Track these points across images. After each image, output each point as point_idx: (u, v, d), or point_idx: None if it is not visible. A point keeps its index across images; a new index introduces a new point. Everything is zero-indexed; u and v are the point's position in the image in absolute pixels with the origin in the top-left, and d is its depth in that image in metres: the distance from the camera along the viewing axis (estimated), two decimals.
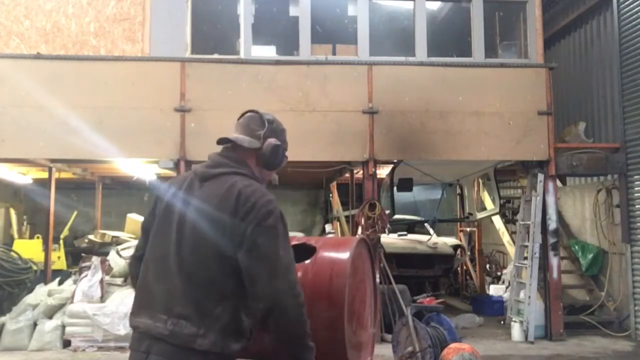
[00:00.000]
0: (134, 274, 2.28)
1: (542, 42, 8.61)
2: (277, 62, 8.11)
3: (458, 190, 12.26)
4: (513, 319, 8.05)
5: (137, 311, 2.11)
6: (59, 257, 11.13)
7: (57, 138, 7.60)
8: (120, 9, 8.23)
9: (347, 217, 10.71)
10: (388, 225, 8.17)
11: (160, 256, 2.10)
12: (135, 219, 11.74)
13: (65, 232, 11.66)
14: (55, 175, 9.41)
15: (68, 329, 7.24)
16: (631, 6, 8.42)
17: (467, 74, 8.28)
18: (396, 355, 6.00)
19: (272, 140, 2.26)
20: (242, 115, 2.37)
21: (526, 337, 7.79)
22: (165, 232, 2.12)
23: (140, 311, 2.09)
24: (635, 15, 8.34)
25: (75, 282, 7.87)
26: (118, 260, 7.94)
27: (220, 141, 2.28)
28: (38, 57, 7.86)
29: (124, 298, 7.29)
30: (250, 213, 2.01)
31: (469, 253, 12.01)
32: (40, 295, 7.67)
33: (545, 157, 8.21)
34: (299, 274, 2.42)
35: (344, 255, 2.50)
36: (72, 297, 7.42)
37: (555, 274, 8.13)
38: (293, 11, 8.87)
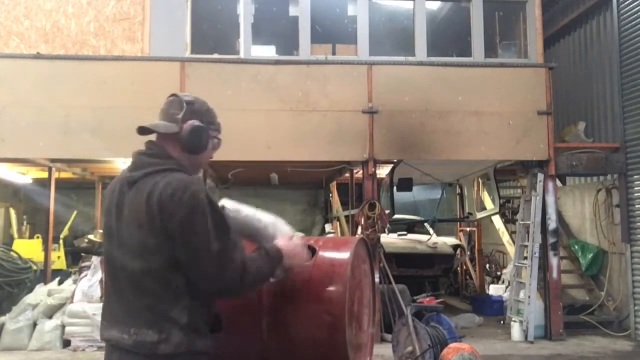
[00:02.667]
0: None
1: (542, 42, 8.61)
2: (277, 62, 8.11)
3: (458, 190, 12.26)
4: (513, 319, 8.06)
5: (106, 324, 2.14)
6: (59, 257, 11.14)
7: (57, 138, 7.60)
8: (120, 9, 8.23)
9: (347, 217, 10.71)
10: (388, 225, 8.17)
11: (113, 274, 2.12)
12: None
13: (65, 232, 11.66)
14: (55, 175, 9.41)
15: (68, 329, 7.25)
16: (631, 6, 8.42)
17: (467, 74, 8.28)
18: (396, 355, 6.01)
19: (191, 122, 2.16)
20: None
21: (526, 337, 7.79)
22: (111, 253, 2.12)
23: (109, 324, 2.12)
24: (635, 15, 8.34)
25: (75, 282, 7.88)
26: None
27: (139, 130, 2.22)
28: (38, 57, 7.86)
29: None
30: (175, 215, 1.95)
31: (469, 253, 12.01)
32: (40, 295, 7.67)
33: (545, 157, 8.21)
34: (300, 278, 2.42)
35: (345, 255, 2.49)
36: (72, 297, 7.43)
37: (555, 274, 8.13)
38: (293, 11, 8.87)
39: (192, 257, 1.97)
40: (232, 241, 2.05)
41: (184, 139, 2.16)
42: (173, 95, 2.26)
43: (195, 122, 2.17)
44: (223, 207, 2.30)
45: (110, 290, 2.14)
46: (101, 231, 11.71)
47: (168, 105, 2.23)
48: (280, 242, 2.24)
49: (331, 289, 2.38)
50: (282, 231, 2.39)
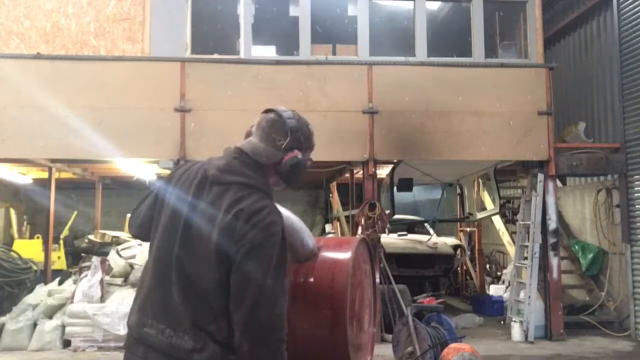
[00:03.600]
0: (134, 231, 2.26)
1: (542, 42, 8.61)
2: (277, 62, 8.11)
3: (458, 190, 12.26)
4: (513, 319, 8.05)
5: (136, 313, 2.05)
6: (59, 257, 11.14)
7: (57, 138, 7.60)
8: (120, 9, 8.23)
9: (347, 217, 10.71)
10: (388, 225, 8.17)
11: (162, 261, 2.01)
12: None
13: (65, 232, 11.66)
14: (55, 175, 9.41)
15: (68, 329, 7.24)
16: (631, 6, 8.41)
17: (467, 74, 8.28)
18: (396, 355, 6.01)
19: (293, 154, 2.07)
20: (264, 113, 2.21)
21: (526, 337, 7.79)
22: (169, 238, 2.01)
23: (139, 313, 2.03)
24: (635, 15, 8.34)
25: (75, 282, 7.88)
26: (118, 260, 7.95)
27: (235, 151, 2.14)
28: (38, 57, 7.85)
29: (124, 298, 7.29)
30: (247, 235, 1.86)
31: (469, 253, 12.01)
32: (40, 295, 7.67)
33: (545, 157, 8.21)
34: (301, 277, 2.42)
35: (346, 255, 2.49)
36: (72, 297, 7.43)
37: (555, 274, 8.13)
38: (293, 11, 8.88)
39: (241, 280, 1.87)
40: (282, 287, 1.93)
41: (284, 171, 2.08)
42: (274, 112, 2.17)
43: (297, 155, 2.08)
44: None
45: (151, 281, 2.02)
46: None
47: (269, 126, 2.14)
48: None
49: (333, 287, 2.39)
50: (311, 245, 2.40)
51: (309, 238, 2.44)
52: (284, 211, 2.43)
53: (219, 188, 1.99)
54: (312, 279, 2.41)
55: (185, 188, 2.05)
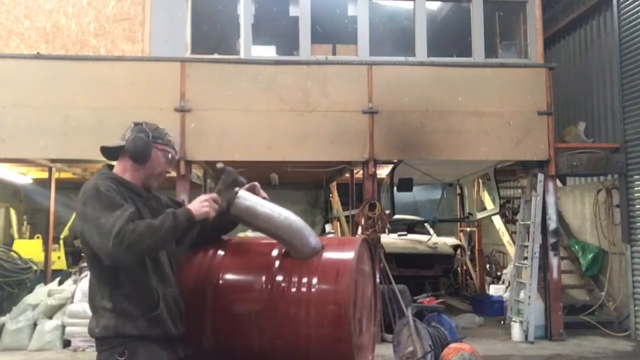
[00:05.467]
0: None
1: (542, 42, 8.61)
2: (277, 62, 8.10)
3: (458, 190, 12.26)
4: (513, 319, 8.06)
5: None
6: (59, 257, 11.14)
7: (57, 138, 7.60)
8: (120, 9, 8.22)
9: (347, 217, 10.71)
10: (388, 225, 8.17)
11: None
12: None
13: (65, 232, 11.66)
14: (55, 175, 9.41)
15: (68, 329, 7.24)
16: (631, 6, 8.42)
17: (467, 74, 8.28)
18: (397, 355, 6.01)
19: (133, 135, 2.46)
20: None
21: (526, 337, 7.79)
22: None
23: None
24: (635, 15, 8.34)
25: (75, 282, 7.88)
26: None
27: (102, 151, 2.57)
28: (38, 57, 7.85)
29: None
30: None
31: (469, 253, 12.02)
32: (40, 295, 7.67)
33: (545, 157, 8.21)
34: (305, 276, 2.42)
35: (349, 255, 2.50)
36: (72, 297, 7.42)
37: (555, 274, 8.13)
38: (293, 11, 8.87)
39: (86, 240, 2.27)
40: (112, 217, 2.20)
41: (128, 149, 2.45)
42: (135, 123, 2.58)
43: (135, 135, 2.46)
44: (236, 194, 2.47)
45: None
46: None
47: (126, 130, 2.54)
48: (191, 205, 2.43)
49: (336, 288, 2.40)
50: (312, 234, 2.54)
51: (310, 236, 2.47)
52: (283, 211, 2.47)
53: None
54: (315, 280, 2.42)
55: None
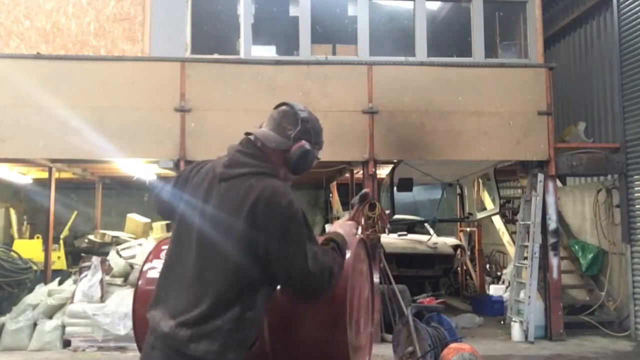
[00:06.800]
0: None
1: (542, 42, 8.60)
2: (277, 62, 8.11)
3: (458, 190, 12.26)
4: (513, 319, 8.05)
5: (154, 303, 2.07)
6: (59, 257, 11.13)
7: (57, 138, 7.60)
8: (120, 9, 8.23)
9: None
10: (388, 225, 8.16)
11: (180, 260, 2.04)
12: (135, 219, 11.74)
13: (65, 232, 11.66)
14: (55, 175, 9.41)
15: (68, 329, 7.24)
16: (631, 6, 8.41)
17: (467, 74, 8.28)
18: (396, 355, 6.00)
19: (302, 144, 2.11)
20: (277, 106, 2.24)
21: (526, 337, 7.79)
22: (184, 238, 2.05)
23: (156, 305, 2.06)
24: (635, 15, 8.34)
25: (75, 282, 7.87)
26: (118, 260, 7.94)
27: (247, 135, 2.16)
28: (38, 57, 7.85)
29: (124, 298, 7.29)
30: (271, 221, 1.90)
31: (469, 253, 12.01)
32: (40, 295, 7.67)
33: (545, 157, 8.21)
34: None
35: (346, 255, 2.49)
36: (72, 297, 7.42)
37: (555, 274, 8.12)
38: (293, 11, 8.87)
39: (285, 265, 1.91)
40: (324, 255, 2.00)
41: (292, 160, 2.11)
42: (286, 104, 2.22)
43: (306, 145, 2.12)
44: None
45: (170, 275, 2.06)
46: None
47: (281, 115, 2.18)
48: (338, 228, 2.21)
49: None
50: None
51: None
52: None
53: (228, 183, 2.02)
54: None
55: (196, 191, 2.09)
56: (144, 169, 9.64)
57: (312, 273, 1.91)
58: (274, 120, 2.18)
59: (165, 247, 2.37)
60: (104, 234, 11.41)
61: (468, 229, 12.45)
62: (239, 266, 1.93)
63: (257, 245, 1.92)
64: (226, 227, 1.95)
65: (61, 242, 11.45)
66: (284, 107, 2.20)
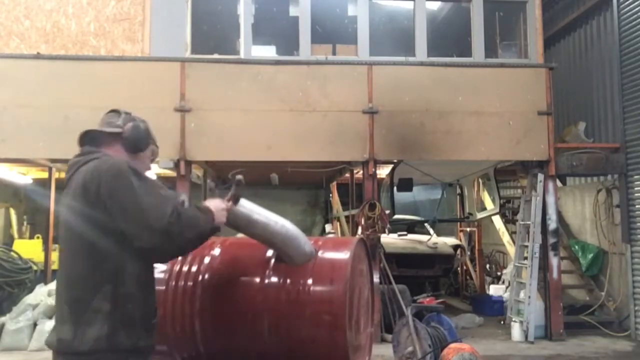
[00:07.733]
0: None
1: (542, 42, 8.60)
2: (277, 62, 8.10)
3: (458, 190, 12.26)
4: (513, 319, 8.05)
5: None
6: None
7: (57, 138, 7.59)
8: (120, 9, 8.23)
9: (347, 217, 10.71)
10: (388, 225, 8.17)
11: (60, 266, 2.16)
12: None
13: None
14: (55, 175, 9.40)
15: None
16: (631, 6, 8.41)
17: (467, 74, 8.28)
18: (396, 355, 6.00)
19: (131, 123, 2.30)
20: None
21: (526, 337, 7.79)
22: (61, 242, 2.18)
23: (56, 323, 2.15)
24: (635, 15, 8.34)
25: None
26: None
27: (82, 135, 2.32)
28: (38, 57, 7.85)
29: None
30: (100, 189, 2.00)
31: (469, 253, 12.01)
32: (40, 295, 7.67)
33: (545, 157, 8.21)
34: (300, 279, 2.42)
35: (344, 256, 2.49)
36: None
37: (555, 274, 8.12)
38: (293, 11, 8.87)
39: (123, 216, 1.97)
40: (164, 196, 2.06)
41: (128, 137, 2.28)
42: (111, 110, 2.42)
43: (134, 122, 2.32)
44: (238, 199, 2.40)
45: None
46: None
47: (106, 117, 2.39)
48: (209, 203, 2.27)
49: (331, 289, 2.39)
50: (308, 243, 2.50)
51: (305, 244, 2.47)
52: (280, 219, 2.46)
53: (72, 176, 2.17)
54: (310, 281, 2.41)
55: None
56: None
57: (152, 216, 1.94)
58: (102, 121, 2.40)
59: None
60: None
61: (468, 229, 12.45)
62: (93, 245, 1.97)
63: (99, 216, 1.99)
64: (74, 212, 2.05)
65: None
66: (108, 113, 2.44)
